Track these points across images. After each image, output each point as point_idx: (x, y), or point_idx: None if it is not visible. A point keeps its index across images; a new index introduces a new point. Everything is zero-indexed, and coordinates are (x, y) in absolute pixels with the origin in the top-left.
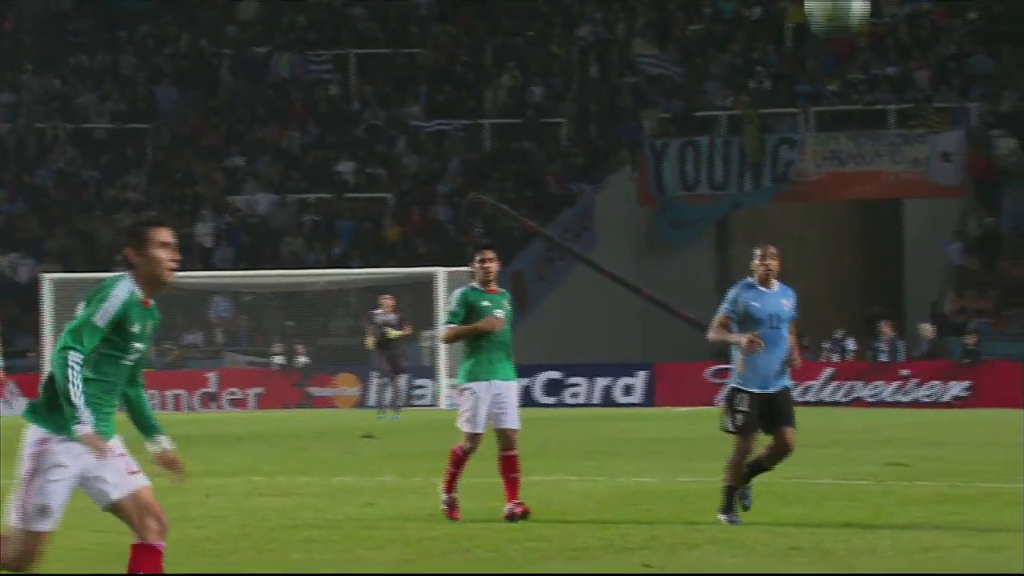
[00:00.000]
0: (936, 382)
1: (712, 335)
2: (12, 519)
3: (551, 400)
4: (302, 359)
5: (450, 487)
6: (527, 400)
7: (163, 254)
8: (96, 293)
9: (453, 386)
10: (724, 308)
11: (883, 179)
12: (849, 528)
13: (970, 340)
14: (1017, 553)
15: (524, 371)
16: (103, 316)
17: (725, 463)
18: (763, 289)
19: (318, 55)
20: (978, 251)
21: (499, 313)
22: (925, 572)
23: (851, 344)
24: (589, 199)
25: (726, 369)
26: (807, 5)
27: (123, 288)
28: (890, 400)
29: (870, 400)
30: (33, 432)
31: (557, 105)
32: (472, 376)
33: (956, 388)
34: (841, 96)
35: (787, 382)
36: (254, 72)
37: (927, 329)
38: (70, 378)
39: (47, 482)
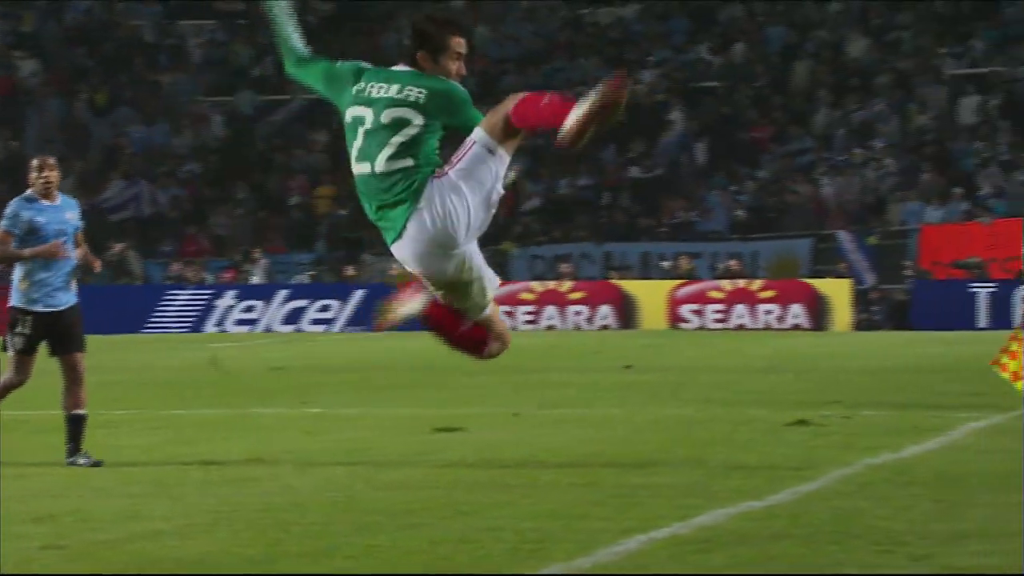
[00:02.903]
0: None
1: None
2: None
3: None
4: None
5: None
6: None
7: (454, 66)
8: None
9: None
10: (3, 225)
11: None
12: None
13: None
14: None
15: None
16: None
17: None
18: (45, 203)
19: None
20: (6, 176)
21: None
22: None
23: None
24: None
25: None
26: None
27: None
28: None
29: None
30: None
31: None
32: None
33: None
34: None
35: (74, 298)
36: None
37: None
38: None
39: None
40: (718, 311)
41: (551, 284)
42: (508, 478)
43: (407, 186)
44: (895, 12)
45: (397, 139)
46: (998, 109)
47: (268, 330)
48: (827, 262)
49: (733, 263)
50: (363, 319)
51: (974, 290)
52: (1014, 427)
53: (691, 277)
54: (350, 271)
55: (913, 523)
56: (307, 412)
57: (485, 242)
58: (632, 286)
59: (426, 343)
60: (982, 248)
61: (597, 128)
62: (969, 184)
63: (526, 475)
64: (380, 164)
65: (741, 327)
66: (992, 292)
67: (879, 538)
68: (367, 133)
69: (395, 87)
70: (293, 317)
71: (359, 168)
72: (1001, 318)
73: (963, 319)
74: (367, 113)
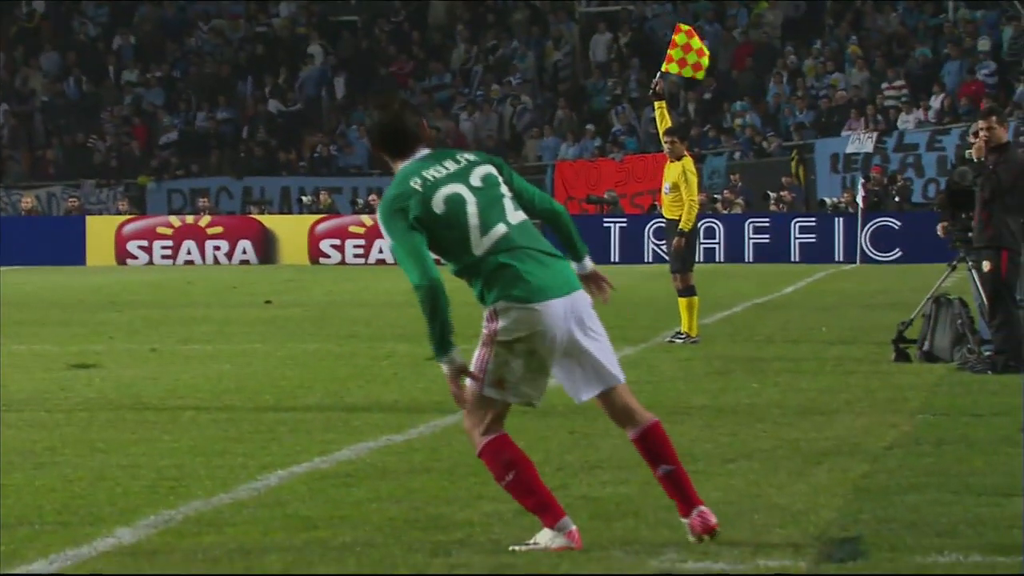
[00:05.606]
0: None
1: None
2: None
3: None
4: None
5: None
6: None
7: None
8: None
9: None
10: None
11: None
12: None
13: None
14: None
15: None
16: None
17: None
18: None
19: None
20: None
21: None
22: None
23: None
24: None
25: None
26: None
27: None
28: None
29: None
30: None
31: None
32: None
33: None
34: None
35: None
36: None
37: None
38: None
39: None
40: (359, 246)
41: (189, 218)
42: (146, 415)
43: (551, 246)
44: None
45: (504, 193)
46: (628, 47)
47: None
48: None
49: (373, 198)
50: None
51: (607, 225)
52: (646, 359)
53: (331, 212)
54: None
55: (550, 454)
56: None
57: (122, 176)
58: (272, 221)
59: (59, 278)
60: (614, 184)
61: None
62: (602, 121)
63: (165, 412)
64: (512, 218)
65: (381, 262)
66: (623, 227)
67: None
68: (477, 197)
69: (449, 159)
70: None
71: (494, 233)
72: (633, 253)
73: (597, 254)
74: (456, 187)
